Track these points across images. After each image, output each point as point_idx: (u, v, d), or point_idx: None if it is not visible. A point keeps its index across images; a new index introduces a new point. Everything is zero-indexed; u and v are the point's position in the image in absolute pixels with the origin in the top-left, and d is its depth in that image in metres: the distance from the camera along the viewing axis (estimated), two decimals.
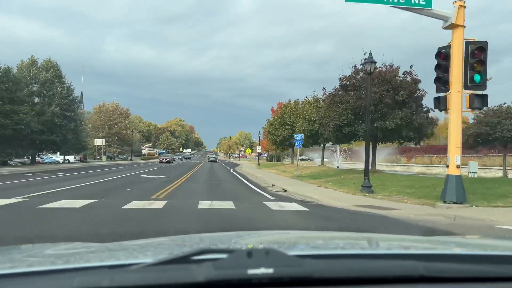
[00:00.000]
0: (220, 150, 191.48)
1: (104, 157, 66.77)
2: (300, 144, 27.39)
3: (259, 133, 59.76)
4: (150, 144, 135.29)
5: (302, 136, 27.61)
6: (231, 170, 38.67)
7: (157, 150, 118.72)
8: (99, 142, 64.75)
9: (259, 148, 58.08)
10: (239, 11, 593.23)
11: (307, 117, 37.13)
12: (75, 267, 1.22)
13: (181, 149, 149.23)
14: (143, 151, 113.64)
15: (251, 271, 1.00)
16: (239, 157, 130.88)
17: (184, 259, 1.10)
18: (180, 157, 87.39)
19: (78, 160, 56.90)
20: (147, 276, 1.02)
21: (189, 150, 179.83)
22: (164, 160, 61.97)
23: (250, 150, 67.51)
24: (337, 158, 51.26)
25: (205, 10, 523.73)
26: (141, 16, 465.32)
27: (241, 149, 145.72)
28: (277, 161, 67.68)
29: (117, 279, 1.01)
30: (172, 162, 61.48)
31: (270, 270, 1.00)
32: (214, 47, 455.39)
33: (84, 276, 1.04)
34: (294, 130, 38.72)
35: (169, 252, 1.53)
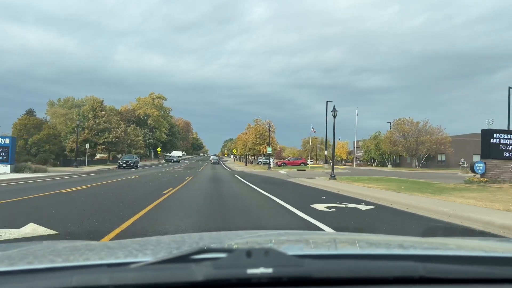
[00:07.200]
0: (227, 154, 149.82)
1: None
2: None
3: None
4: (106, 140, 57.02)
5: None
6: None
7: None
8: None
9: None
10: (252, 19, 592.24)
11: None
12: (74, 265, 1.23)
13: (158, 149, 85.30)
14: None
15: (250, 271, 0.99)
16: (301, 162, 60.84)
17: (184, 258, 1.10)
18: None
19: None
20: (146, 275, 1.02)
21: (180, 153, 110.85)
22: None
23: None
24: None
25: (219, 18, 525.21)
26: (154, 25, 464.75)
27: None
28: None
29: (116, 277, 1.00)
30: None
31: (269, 270, 1.00)
32: (225, 55, 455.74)
33: (83, 274, 1.04)
34: None
35: (169, 251, 1.53)
